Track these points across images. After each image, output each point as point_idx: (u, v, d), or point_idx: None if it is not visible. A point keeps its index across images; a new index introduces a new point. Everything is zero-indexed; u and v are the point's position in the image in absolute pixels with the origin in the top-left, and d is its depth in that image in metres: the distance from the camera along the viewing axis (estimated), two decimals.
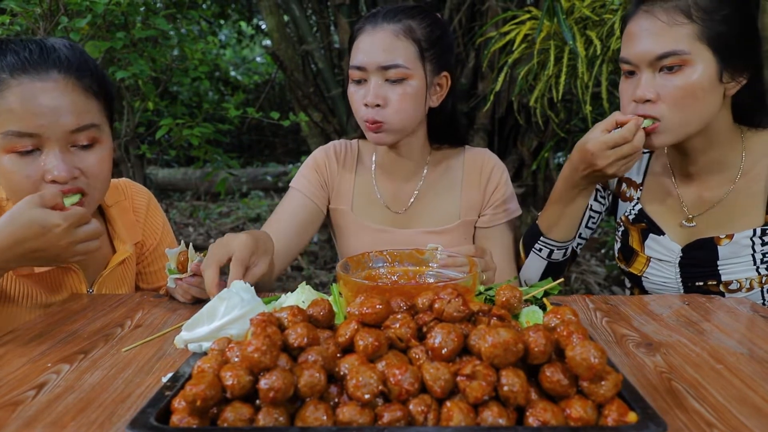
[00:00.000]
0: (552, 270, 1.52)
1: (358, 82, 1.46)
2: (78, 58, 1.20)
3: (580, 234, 1.59)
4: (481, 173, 1.60)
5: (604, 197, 1.58)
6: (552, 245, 1.48)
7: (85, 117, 1.18)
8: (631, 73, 1.31)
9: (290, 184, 1.64)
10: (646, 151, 1.52)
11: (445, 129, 1.58)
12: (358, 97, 1.46)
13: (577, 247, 1.61)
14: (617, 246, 1.55)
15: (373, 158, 1.63)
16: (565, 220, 1.44)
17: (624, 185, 1.54)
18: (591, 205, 1.57)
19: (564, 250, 1.49)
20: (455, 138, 1.62)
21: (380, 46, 1.41)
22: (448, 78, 1.51)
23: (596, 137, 1.29)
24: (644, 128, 1.28)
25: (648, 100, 1.27)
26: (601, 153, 1.28)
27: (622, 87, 1.34)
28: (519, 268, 1.58)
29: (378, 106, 1.42)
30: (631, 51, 1.29)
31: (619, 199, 1.56)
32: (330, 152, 1.65)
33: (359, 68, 1.43)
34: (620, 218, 1.54)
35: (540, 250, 1.50)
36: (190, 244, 1.27)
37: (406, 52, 1.41)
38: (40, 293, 1.28)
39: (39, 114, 1.13)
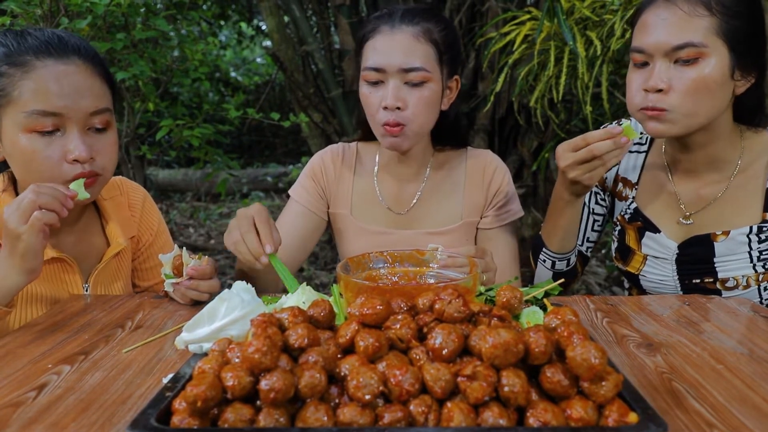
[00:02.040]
0: (559, 278, 1.52)
1: (375, 83, 1.43)
2: (90, 48, 1.27)
3: (588, 238, 1.59)
4: (483, 174, 1.59)
5: (604, 199, 1.59)
6: (553, 257, 1.48)
7: (101, 100, 1.25)
8: (644, 64, 1.30)
9: (289, 193, 1.63)
10: (641, 151, 1.53)
11: (449, 131, 1.58)
12: (374, 99, 1.43)
13: (587, 251, 1.61)
14: (614, 245, 1.55)
15: (376, 159, 1.63)
16: (559, 233, 1.44)
17: (620, 185, 1.54)
18: (593, 209, 1.58)
19: (566, 261, 1.49)
20: (458, 139, 1.61)
21: (400, 47, 1.39)
22: (458, 81, 1.52)
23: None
24: (648, 114, 1.27)
25: (659, 90, 1.26)
26: (563, 154, 1.28)
27: (631, 77, 1.32)
28: (533, 276, 1.59)
29: (398, 108, 1.40)
30: (646, 40, 1.28)
31: (616, 199, 1.56)
32: (326, 158, 1.63)
33: (377, 69, 1.41)
34: (617, 217, 1.54)
35: (544, 261, 1.51)
36: (184, 248, 1.27)
37: (426, 54, 1.40)
38: (34, 285, 1.28)
39: (63, 95, 1.18)
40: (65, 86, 1.18)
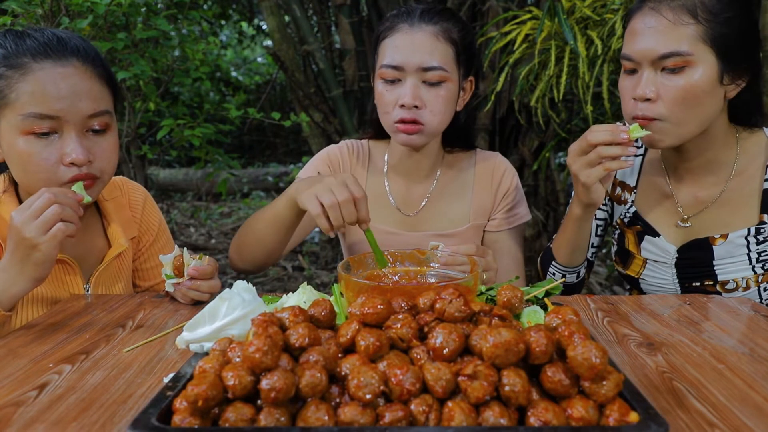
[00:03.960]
0: (569, 289, 1.53)
1: (391, 81, 1.42)
2: (92, 49, 1.26)
3: (592, 244, 1.59)
4: (492, 177, 1.59)
5: (606, 204, 1.59)
6: (563, 270, 1.49)
7: (100, 103, 1.23)
8: (633, 71, 1.30)
9: (299, 175, 1.61)
10: (638, 154, 1.53)
11: (460, 132, 1.57)
12: (390, 97, 1.42)
13: (591, 257, 1.61)
14: (614, 249, 1.55)
15: (385, 159, 1.61)
16: (569, 247, 1.45)
17: (618, 189, 1.54)
18: (595, 214, 1.58)
19: (576, 274, 1.50)
20: (467, 141, 1.61)
21: (420, 46, 1.39)
22: (472, 82, 1.51)
23: None
24: (639, 123, 1.27)
25: (648, 99, 1.26)
26: (571, 148, 1.28)
27: (623, 84, 1.33)
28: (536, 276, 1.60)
29: (415, 107, 1.39)
30: (633, 48, 1.28)
31: (614, 203, 1.56)
32: (344, 150, 1.62)
33: (396, 67, 1.40)
34: (616, 221, 1.54)
35: (554, 274, 1.51)
36: (185, 249, 1.26)
37: (445, 54, 1.40)
38: (38, 288, 1.28)
39: (60, 98, 1.17)
40: (62, 89, 1.17)
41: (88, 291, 1.37)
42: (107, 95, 1.26)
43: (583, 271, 1.52)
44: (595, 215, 1.57)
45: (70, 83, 1.18)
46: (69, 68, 1.19)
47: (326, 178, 1.20)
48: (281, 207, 1.33)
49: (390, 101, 1.42)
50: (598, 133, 1.23)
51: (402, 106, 1.40)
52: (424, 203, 1.58)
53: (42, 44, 1.19)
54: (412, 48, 1.39)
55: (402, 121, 1.40)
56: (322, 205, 1.16)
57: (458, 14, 1.50)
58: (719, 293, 1.38)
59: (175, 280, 1.24)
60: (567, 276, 1.49)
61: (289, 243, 1.53)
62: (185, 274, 1.23)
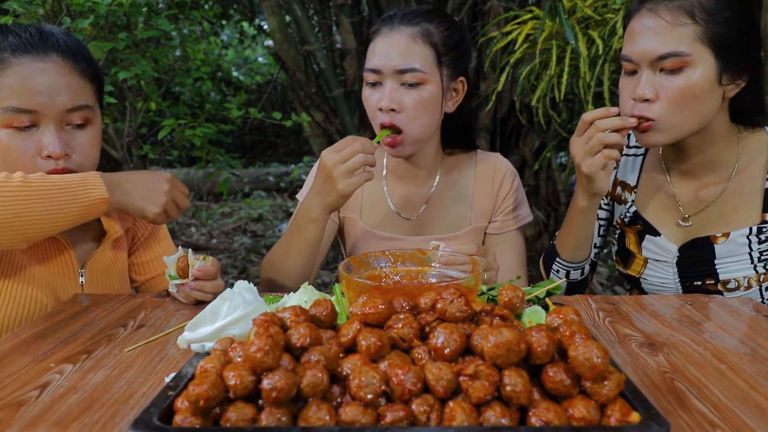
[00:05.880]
0: (573, 288, 1.52)
1: (373, 84, 1.43)
2: (74, 44, 1.28)
3: (594, 244, 1.59)
4: (493, 179, 1.58)
5: (608, 204, 1.58)
6: (567, 266, 1.48)
7: (80, 98, 1.25)
8: (633, 72, 1.31)
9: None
10: (639, 154, 1.52)
11: (459, 134, 1.57)
12: (372, 100, 1.43)
13: (594, 257, 1.61)
14: (615, 249, 1.55)
15: (384, 162, 1.61)
16: (573, 241, 1.44)
17: (619, 188, 1.54)
18: (597, 214, 1.57)
19: (580, 270, 1.49)
20: (468, 143, 1.61)
21: (396, 49, 1.39)
22: (464, 83, 1.50)
23: None
24: (637, 126, 1.27)
25: (646, 100, 1.26)
26: (574, 142, 1.29)
27: (622, 84, 1.33)
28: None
29: (393, 110, 1.40)
30: (632, 49, 1.28)
31: (615, 203, 1.56)
32: None
33: (374, 71, 1.41)
34: (616, 221, 1.54)
35: (558, 271, 1.50)
36: (189, 250, 1.26)
37: (423, 56, 1.39)
38: (30, 265, 1.29)
39: (37, 92, 1.20)
40: (40, 83, 1.20)
41: (82, 275, 1.37)
42: (89, 90, 1.28)
43: (587, 267, 1.51)
44: (597, 215, 1.57)
45: (48, 78, 1.21)
46: (48, 63, 1.22)
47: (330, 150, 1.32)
48: (312, 232, 1.38)
49: (372, 105, 1.43)
50: (595, 110, 1.27)
51: (381, 109, 1.40)
52: (424, 207, 1.57)
53: (23, 40, 1.22)
54: (389, 51, 1.40)
55: (382, 126, 1.41)
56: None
57: (446, 14, 1.49)
58: (720, 292, 1.38)
59: (179, 281, 1.24)
60: (571, 272, 1.49)
61: (321, 255, 1.54)
62: (189, 275, 1.23)
